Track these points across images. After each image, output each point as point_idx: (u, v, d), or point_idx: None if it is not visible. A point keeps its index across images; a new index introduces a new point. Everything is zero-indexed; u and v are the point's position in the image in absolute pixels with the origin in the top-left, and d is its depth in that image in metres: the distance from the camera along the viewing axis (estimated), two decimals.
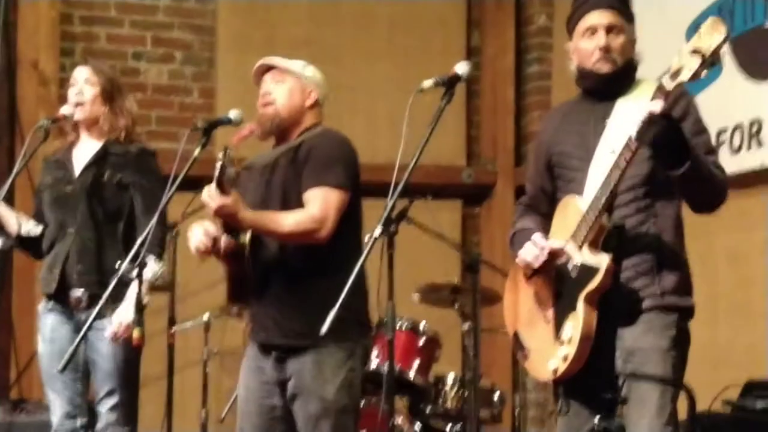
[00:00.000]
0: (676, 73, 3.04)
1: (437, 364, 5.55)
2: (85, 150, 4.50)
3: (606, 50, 3.37)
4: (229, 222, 3.64)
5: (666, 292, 3.34)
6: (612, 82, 3.42)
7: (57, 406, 4.43)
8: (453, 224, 7.04)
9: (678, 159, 3.16)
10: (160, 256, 4.38)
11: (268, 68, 3.87)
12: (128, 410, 4.38)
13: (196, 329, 5.91)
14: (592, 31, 3.40)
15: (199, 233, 3.70)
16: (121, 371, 4.32)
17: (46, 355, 4.46)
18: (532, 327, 3.55)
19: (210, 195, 3.52)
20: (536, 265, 3.44)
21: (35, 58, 6.40)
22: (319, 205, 3.67)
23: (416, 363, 5.37)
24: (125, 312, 4.18)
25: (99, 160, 4.45)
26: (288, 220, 3.65)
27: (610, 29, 3.38)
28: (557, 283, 3.45)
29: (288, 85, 3.84)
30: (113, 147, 4.47)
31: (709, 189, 3.30)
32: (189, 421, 5.95)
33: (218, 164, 3.46)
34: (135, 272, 3.69)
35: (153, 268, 4.26)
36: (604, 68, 3.39)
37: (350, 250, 3.70)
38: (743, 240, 5.53)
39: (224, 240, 3.70)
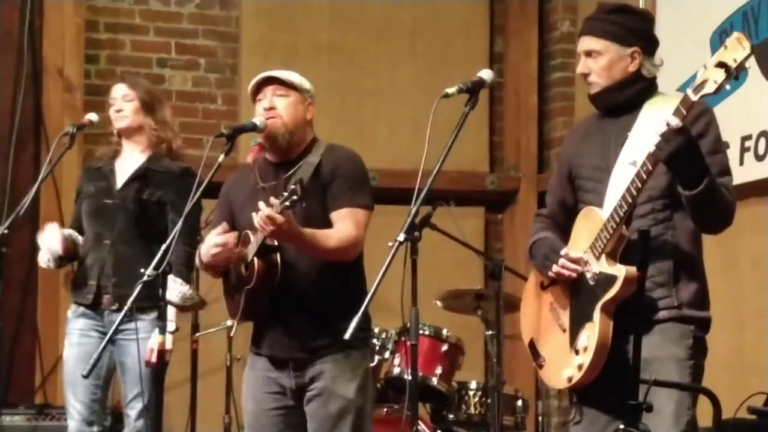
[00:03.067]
0: (700, 86, 3.11)
1: (460, 371, 5.55)
2: (127, 162, 4.53)
3: (585, 76, 3.52)
4: (283, 240, 3.66)
5: (683, 304, 3.37)
6: (605, 99, 3.49)
7: (76, 411, 4.45)
8: (476, 231, 7.03)
9: (694, 179, 3.18)
10: (187, 279, 4.40)
11: (267, 80, 3.87)
12: (154, 414, 4.38)
13: (219, 335, 5.92)
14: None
15: (221, 242, 3.73)
16: (150, 374, 4.32)
17: (71, 359, 4.48)
18: (547, 335, 3.58)
19: (271, 216, 3.50)
20: (572, 275, 3.46)
21: (60, 64, 6.43)
22: (354, 224, 3.74)
23: (439, 369, 5.37)
24: (154, 339, 4.16)
25: (141, 176, 4.47)
26: (334, 237, 3.71)
27: (588, 54, 3.51)
28: (574, 292, 3.47)
29: (291, 99, 3.84)
30: (156, 163, 4.49)
31: (717, 213, 3.32)
32: (212, 427, 5.96)
33: (293, 193, 3.46)
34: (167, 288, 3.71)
35: (181, 291, 4.26)
36: (590, 90, 3.53)
37: (359, 264, 3.85)
38: None
39: (257, 262, 3.71)
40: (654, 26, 3.61)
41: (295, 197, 3.47)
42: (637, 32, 3.48)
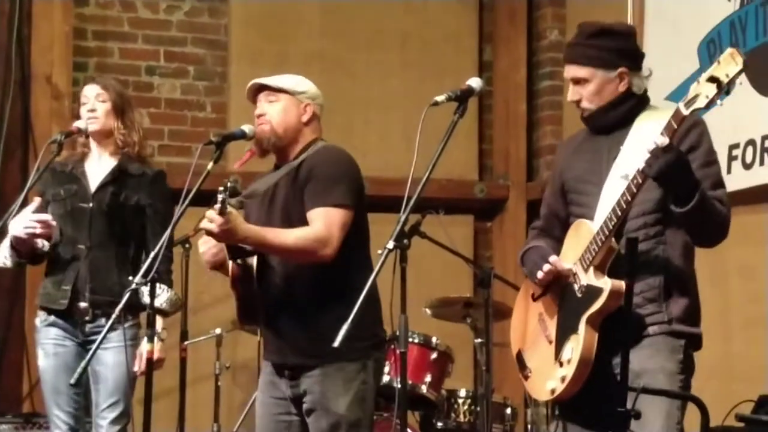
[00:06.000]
0: (692, 100, 3.11)
1: (449, 379, 5.55)
2: (98, 165, 4.50)
3: (576, 103, 3.51)
4: (232, 243, 3.63)
5: (673, 319, 3.37)
6: (597, 121, 3.50)
7: (61, 421, 4.42)
8: (465, 239, 7.03)
9: (684, 195, 3.19)
10: (170, 283, 4.39)
11: (262, 87, 3.87)
12: (127, 423, 4.37)
13: (208, 343, 5.92)
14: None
15: (209, 243, 3.71)
16: (125, 383, 4.31)
17: (50, 370, 4.43)
18: (534, 347, 3.58)
19: (210, 219, 3.51)
20: (544, 281, 3.46)
21: (49, 72, 6.43)
22: (323, 224, 3.67)
23: (428, 378, 5.37)
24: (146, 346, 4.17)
25: (115, 180, 4.46)
26: (290, 236, 3.64)
27: (576, 82, 3.50)
28: (562, 303, 3.48)
29: (282, 103, 3.83)
30: (129, 166, 4.48)
31: (711, 227, 3.32)
32: None
33: (219, 197, 3.45)
34: (147, 292, 3.69)
35: (168, 297, 4.24)
36: (583, 114, 3.53)
37: (358, 267, 3.74)
38: (756, 254, 5.51)
39: (231, 266, 3.70)
40: (636, 39, 3.58)
41: (221, 196, 3.44)
42: (621, 52, 3.46)
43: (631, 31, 3.61)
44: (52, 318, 4.44)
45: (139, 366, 4.29)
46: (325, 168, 3.75)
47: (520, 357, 3.63)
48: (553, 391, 3.41)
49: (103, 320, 4.32)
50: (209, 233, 3.56)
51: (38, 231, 4.28)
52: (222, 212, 3.46)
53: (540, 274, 3.46)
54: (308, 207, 3.71)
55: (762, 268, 5.48)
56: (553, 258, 3.46)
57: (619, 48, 3.46)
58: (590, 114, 3.49)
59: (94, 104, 4.48)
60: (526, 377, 3.59)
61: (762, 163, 5.38)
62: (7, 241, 4.39)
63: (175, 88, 6.88)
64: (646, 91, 3.51)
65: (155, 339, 3.78)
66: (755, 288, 5.51)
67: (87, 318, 4.38)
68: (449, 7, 7.18)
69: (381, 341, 3.85)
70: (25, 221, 4.28)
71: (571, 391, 3.37)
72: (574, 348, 3.35)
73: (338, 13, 6.99)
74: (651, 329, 3.35)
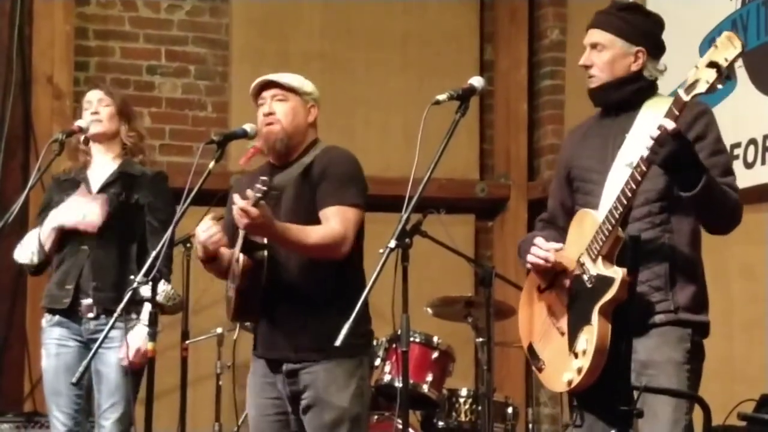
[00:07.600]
0: (692, 86, 3.10)
1: (450, 378, 5.55)
2: (100, 170, 4.52)
3: (586, 68, 3.51)
4: (259, 234, 3.64)
5: (680, 307, 3.36)
6: (603, 95, 3.49)
7: (60, 422, 4.41)
8: (466, 238, 7.03)
9: (691, 180, 3.18)
10: (168, 279, 4.39)
11: (267, 84, 3.87)
12: (130, 424, 4.36)
13: (209, 343, 5.92)
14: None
15: (211, 230, 3.69)
16: (127, 384, 4.30)
17: (51, 370, 4.44)
18: (546, 339, 3.57)
19: (245, 209, 3.49)
20: (543, 263, 3.45)
21: (50, 72, 6.43)
22: (340, 222, 3.71)
23: (429, 377, 5.37)
24: (138, 337, 4.19)
25: (116, 180, 4.47)
26: (315, 233, 3.68)
27: (593, 47, 3.50)
28: (571, 295, 3.46)
29: (291, 103, 3.84)
30: (130, 168, 4.49)
31: (722, 212, 3.32)
32: None
33: (259, 186, 3.45)
34: (147, 289, 3.68)
35: (164, 289, 4.25)
36: (590, 84, 3.52)
37: (356, 265, 3.82)
38: (758, 254, 5.51)
39: (242, 259, 3.70)
40: (663, 31, 3.59)
41: (264, 188, 3.45)
42: (646, 33, 3.48)
43: (662, 22, 3.61)
44: (57, 318, 4.45)
45: (133, 356, 4.22)
46: (340, 168, 3.79)
47: (532, 349, 3.61)
48: (569, 383, 3.39)
49: (106, 318, 4.31)
50: (247, 226, 3.54)
51: None
52: (256, 204, 3.47)
53: (530, 257, 3.46)
54: (323, 205, 3.74)
55: (763, 268, 5.48)
56: (538, 239, 3.46)
57: (646, 28, 3.49)
58: (597, 87, 3.49)
59: (97, 108, 4.50)
60: (540, 369, 3.57)
61: (763, 162, 5.38)
62: (34, 239, 4.44)
63: (176, 88, 6.88)
64: (656, 80, 3.51)
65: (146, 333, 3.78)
66: (756, 287, 5.51)
67: (91, 315, 4.38)
68: (450, 7, 7.18)
69: (372, 339, 3.95)
70: None
71: (587, 381, 3.35)
72: (589, 339, 3.33)
73: (339, 12, 6.99)
74: (657, 318, 3.35)
